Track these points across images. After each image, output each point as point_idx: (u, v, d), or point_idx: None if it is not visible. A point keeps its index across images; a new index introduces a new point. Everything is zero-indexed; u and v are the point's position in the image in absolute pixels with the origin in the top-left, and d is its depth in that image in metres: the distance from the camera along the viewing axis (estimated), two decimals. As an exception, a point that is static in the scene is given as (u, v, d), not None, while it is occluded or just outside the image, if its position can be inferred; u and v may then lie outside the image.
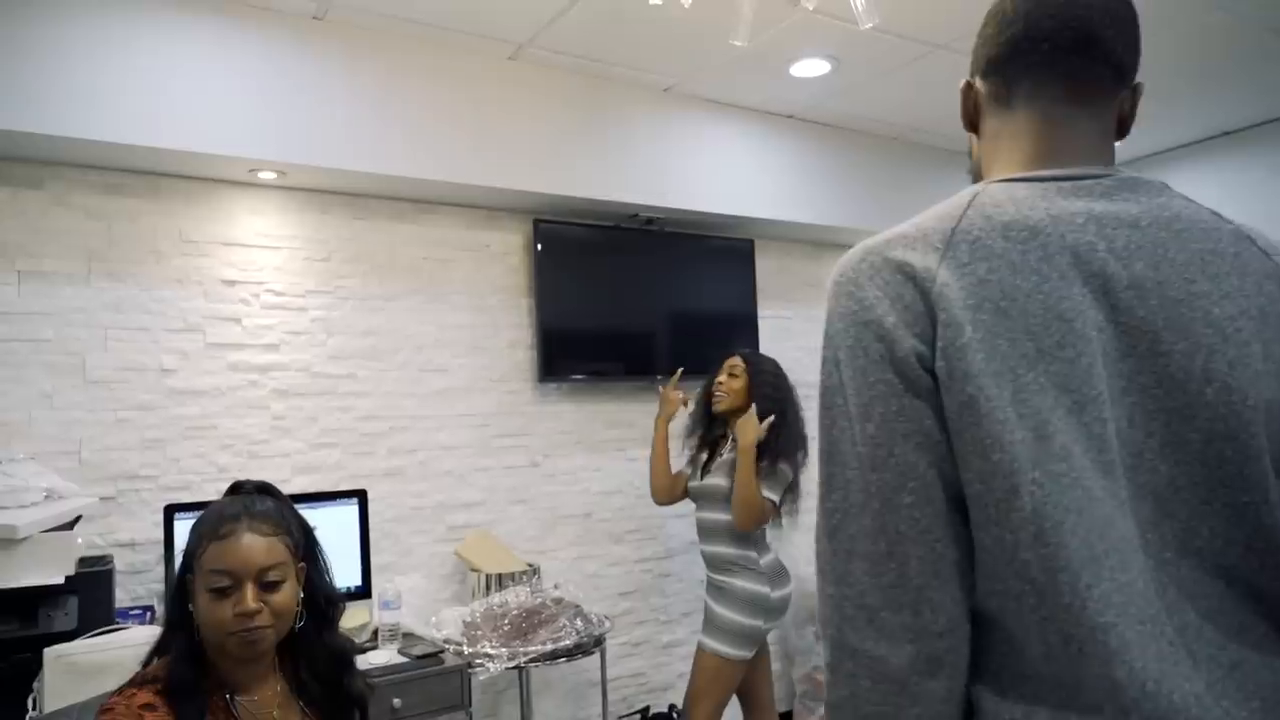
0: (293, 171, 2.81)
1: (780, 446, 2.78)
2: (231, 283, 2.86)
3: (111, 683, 1.72)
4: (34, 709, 1.94)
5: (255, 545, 1.36)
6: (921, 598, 0.77)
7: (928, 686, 0.77)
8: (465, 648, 2.64)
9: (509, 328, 3.36)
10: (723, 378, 2.93)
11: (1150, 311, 0.79)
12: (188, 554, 1.39)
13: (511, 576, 2.95)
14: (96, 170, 2.69)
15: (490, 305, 3.33)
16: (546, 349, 3.35)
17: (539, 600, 2.81)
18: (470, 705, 2.65)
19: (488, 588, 2.91)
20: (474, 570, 2.98)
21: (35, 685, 1.99)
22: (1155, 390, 0.79)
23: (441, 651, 2.63)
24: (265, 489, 1.50)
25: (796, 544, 3.78)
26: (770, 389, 2.89)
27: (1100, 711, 0.72)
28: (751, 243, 3.90)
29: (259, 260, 2.92)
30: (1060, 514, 0.73)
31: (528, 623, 2.73)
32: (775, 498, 2.76)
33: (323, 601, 1.47)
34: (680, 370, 3.19)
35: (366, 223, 3.11)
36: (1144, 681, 0.71)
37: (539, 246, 3.35)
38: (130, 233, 2.73)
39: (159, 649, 1.40)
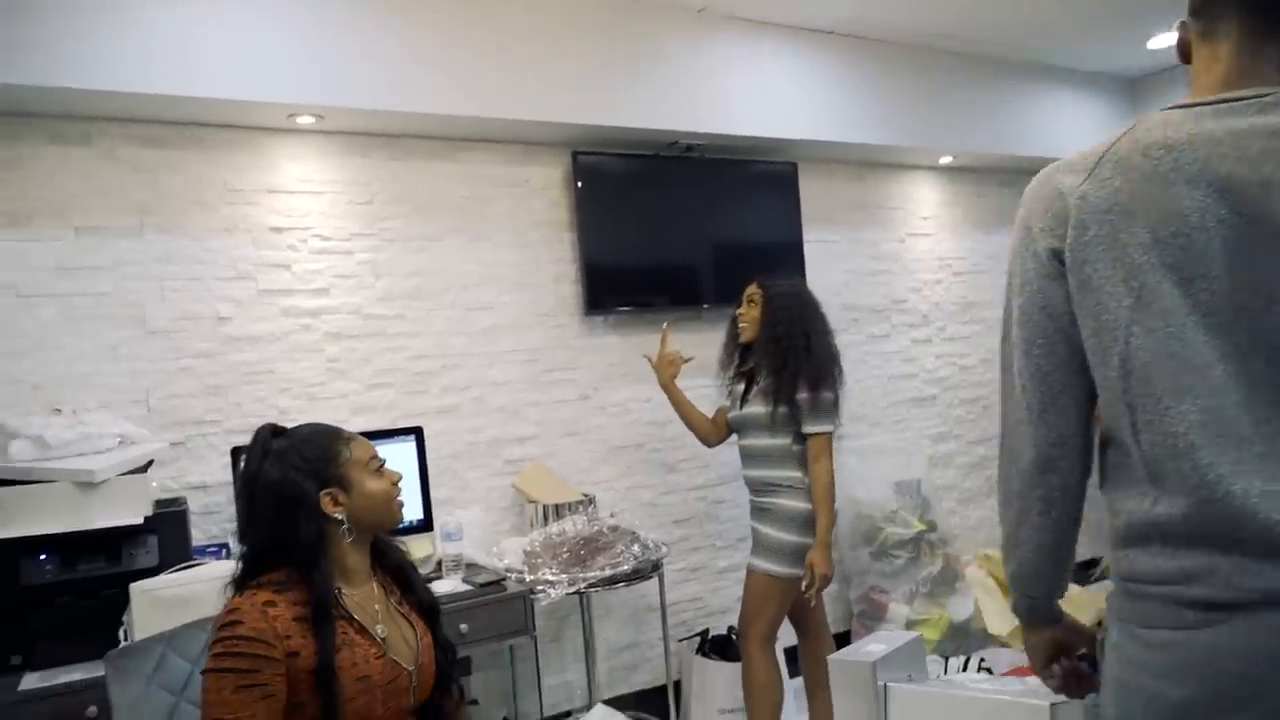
0: (331, 115, 2.82)
1: (814, 373, 2.75)
2: (279, 229, 2.90)
3: (193, 614, 1.82)
4: (125, 640, 2.05)
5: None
6: (1041, 419, 1.14)
7: (1046, 479, 1.15)
8: (526, 575, 2.71)
9: (552, 262, 3.37)
10: (742, 308, 2.92)
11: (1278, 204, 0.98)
12: (320, 474, 1.52)
13: (568, 506, 3.00)
14: (140, 124, 2.72)
15: (532, 241, 3.34)
16: (591, 282, 3.36)
17: (596, 528, 2.87)
18: (534, 630, 2.73)
19: (545, 518, 2.98)
20: (531, 502, 3.05)
21: (125, 618, 2.10)
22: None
23: (504, 579, 2.70)
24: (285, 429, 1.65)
25: (846, 466, 3.79)
26: (785, 313, 2.83)
27: (1177, 494, 1.01)
28: (794, 166, 3.83)
29: (304, 206, 2.95)
30: (1148, 356, 1.03)
31: (586, 550, 2.79)
32: (829, 428, 2.76)
33: None
34: (666, 325, 3.14)
35: (405, 164, 3.12)
36: (1210, 475, 0.98)
37: (578, 179, 3.33)
38: (176, 184, 2.77)
39: (258, 572, 1.50)
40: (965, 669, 3.15)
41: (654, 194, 3.50)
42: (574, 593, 2.68)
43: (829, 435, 2.77)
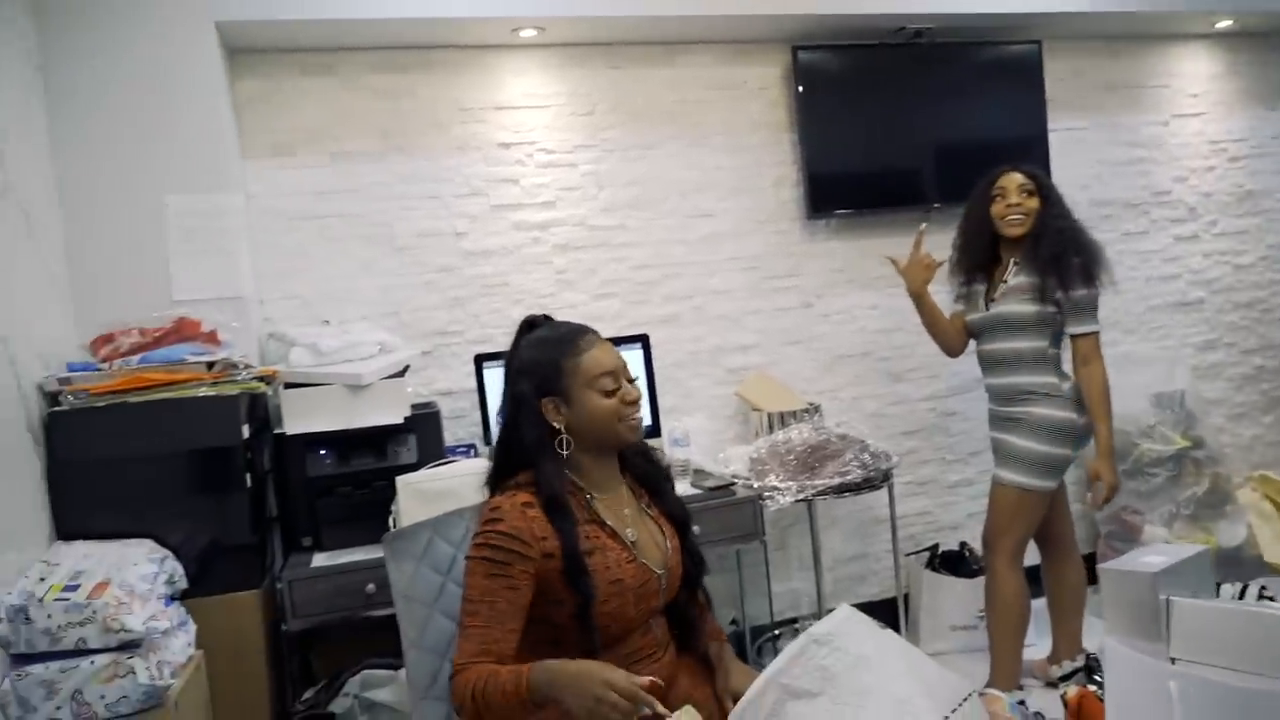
0: (551, 26, 2.85)
1: (1089, 267, 2.53)
2: (507, 145, 3.00)
3: (451, 505, 1.95)
4: (393, 526, 2.26)
5: (611, 349, 1.58)
6: None
7: None
8: (754, 482, 2.72)
9: (772, 165, 3.27)
10: (1011, 198, 2.63)
11: None
12: (546, 380, 1.53)
13: (793, 415, 2.96)
14: (377, 51, 2.88)
15: (751, 144, 3.24)
16: (812, 185, 3.23)
17: (823, 437, 2.82)
18: (764, 535, 2.75)
19: (770, 427, 2.96)
20: (755, 410, 3.03)
21: (392, 508, 2.30)
22: None
23: (732, 484, 2.72)
24: (550, 319, 1.66)
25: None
26: (1061, 202, 2.63)
27: None
28: (1038, 46, 3.45)
29: (529, 121, 3.02)
30: None
31: (813, 458, 2.75)
32: (1098, 327, 2.56)
33: None
34: (923, 226, 2.86)
35: (623, 72, 3.11)
36: None
37: (798, 77, 3.18)
38: (414, 108, 2.92)
39: (504, 472, 1.57)
40: (1242, 597, 2.85)
41: (879, 89, 3.28)
42: (802, 500, 2.66)
43: (1098, 335, 2.55)
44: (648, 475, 1.68)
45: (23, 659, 1.79)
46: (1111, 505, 3.51)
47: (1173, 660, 1.22)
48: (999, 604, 2.67)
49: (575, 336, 1.56)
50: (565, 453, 1.53)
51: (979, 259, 2.75)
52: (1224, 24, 3.72)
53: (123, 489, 2.13)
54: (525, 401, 1.52)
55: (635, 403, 1.55)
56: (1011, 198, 2.62)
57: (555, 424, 1.52)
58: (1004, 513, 2.65)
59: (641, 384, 2.87)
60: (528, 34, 2.89)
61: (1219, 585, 3.20)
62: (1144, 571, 1.29)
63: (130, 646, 1.81)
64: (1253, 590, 3.05)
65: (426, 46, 2.91)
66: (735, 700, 1.44)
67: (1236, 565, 3.40)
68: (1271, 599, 2.94)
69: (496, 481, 1.59)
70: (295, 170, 2.83)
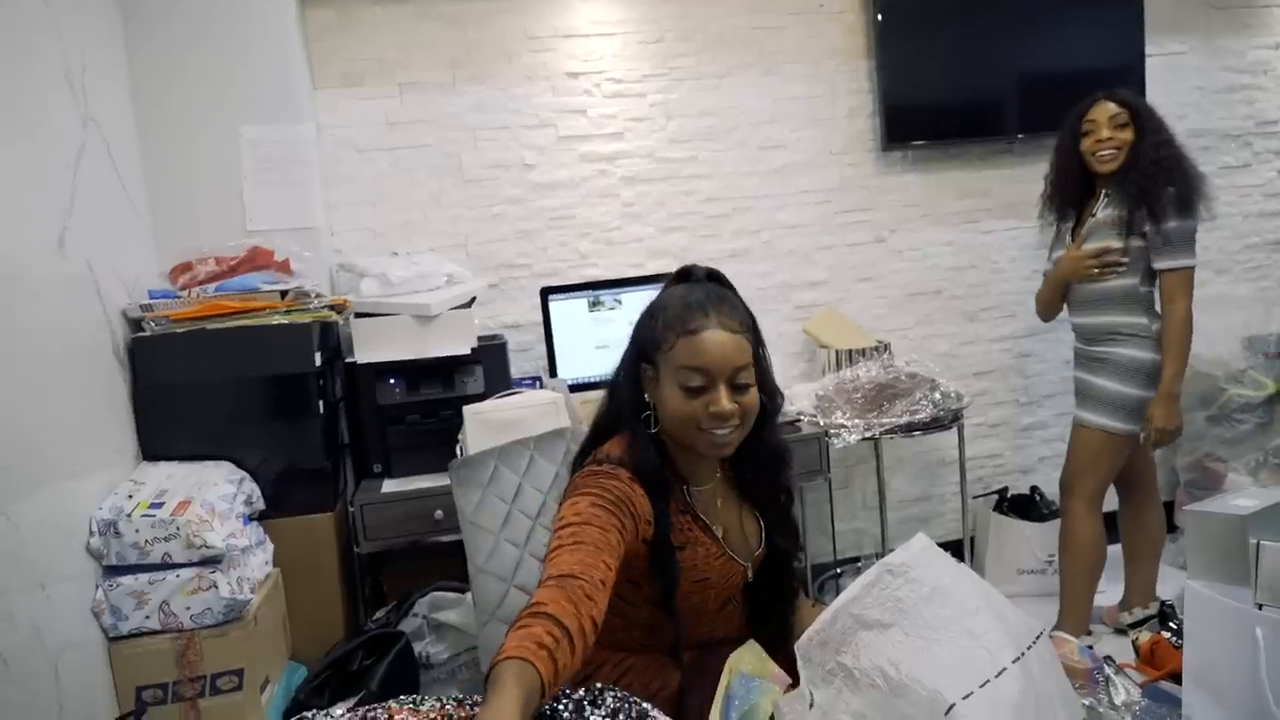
0: (621, -51, 2.76)
1: (1185, 198, 2.39)
2: (575, 75, 2.95)
3: (516, 434, 1.97)
4: (460, 455, 2.30)
5: (727, 344, 1.30)
6: None
7: None
8: (820, 419, 2.68)
9: (847, 94, 3.15)
10: (1107, 131, 2.46)
11: None
12: (648, 343, 1.36)
13: (861, 353, 2.91)
14: (448, -23, 2.84)
15: (826, 72, 3.13)
16: (889, 115, 3.10)
17: (892, 375, 2.76)
18: (829, 472, 2.72)
19: (838, 364, 2.91)
20: (823, 347, 2.98)
21: (460, 437, 2.34)
22: None
23: (797, 421, 2.70)
24: (718, 278, 1.43)
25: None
26: (1162, 130, 2.46)
27: None
28: (1138, -41, 3.23)
29: (597, 49, 2.96)
30: None
31: (881, 396, 2.70)
32: (1192, 261, 2.41)
33: (765, 397, 1.41)
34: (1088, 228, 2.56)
35: (695, -4, 3.01)
36: None
37: None
38: (484, 37, 2.88)
39: (604, 428, 1.43)
40: (1331, 548, 2.73)
41: (962, 11, 3.11)
42: (869, 438, 2.62)
43: (1191, 271, 2.41)
44: (766, 471, 1.47)
45: (114, 570, 1.89)
46: (1191, 453, 3.40)
47: (1260, 606, 1.17)
48: (1074, 548, 2.61)
49: (695, 311, 1.31)
50: (653, 430, 1.37)
51: (1071, 196, 2.61)
52: (1348, -63, 3.42)
53: (202, 413, 2.20)
54: (629, 359, 1.39)
55: (723, 417, 1.30)
56: (1103, 131, 2.47)
57: (647, 395, 1.37)
58: (1085, 455, 2.57)
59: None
60: (596, -43, 2.82)
61: (1308, 537, 3.07)
62: (1234, 514, 1.23)
63: (212, 562, 1.90)
64: (1346, 543, 2.92)
65: (494, -28, 2.86)
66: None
67: (1327, 517, 3.25)
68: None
69: (594, 437, 1.44)
70: (365, 100, 2.83)
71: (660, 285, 1.45)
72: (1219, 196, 3.47)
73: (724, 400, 1.30)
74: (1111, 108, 2.48)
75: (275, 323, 2.23)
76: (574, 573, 1.12)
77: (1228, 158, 3.53)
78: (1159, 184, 2.39)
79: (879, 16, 3.05)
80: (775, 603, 1.50)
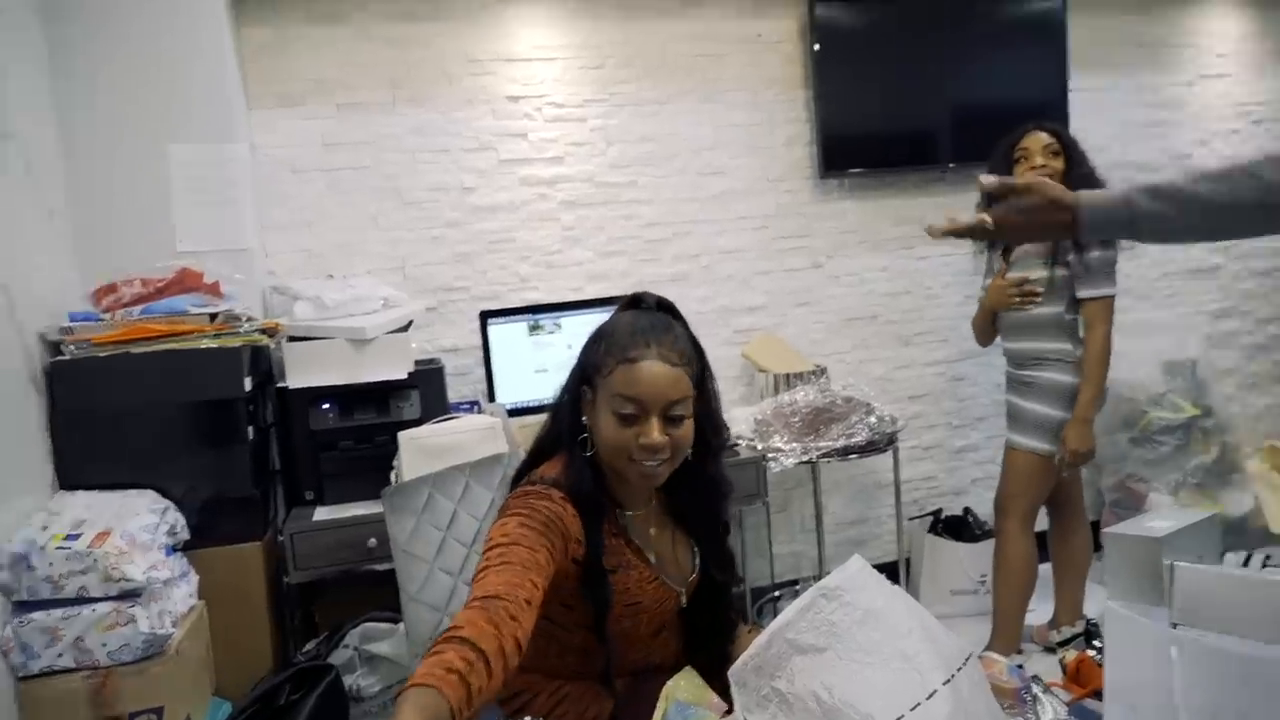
0: (561, -26, 2.78)
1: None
2: (515, 98, 2.95)
3: (453, 460, 1.95)
4: (394, 481, 2.26)
5: (664, 376, 1.29)
6: None
7: None
8: (758, 443, 2.71)
9: (785, 123, 3.21)
10: (1040, 159, 2.55)
11: None
12: (590, 366, 1.36)
13: (799, 377, 2.94)
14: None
15: (765, 101, 3.18)
16: (826, 143, 3.17)
17: (828, 399, 2.80)
18: (767, 495, 2.74)
19: (776, 388, 2.94)
20: (761, 371, 3.01)
21: (394, 463, 2.30)
22: None
23: (735, 445, 2.71)
24: (667, 307, 1.43)
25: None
26: (1085, 159, 2.57)
27: None
28: (1063, 1, 3.36)
29: (539, 74, 2.96)
30: None
31: (818, 420, 2.73)
32: (1112, 290, 2.50)
33: (709, 431, 1.42)
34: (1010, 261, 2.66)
35: (636, 23, 3.04)
36: None
37: (814, 31, 3.11)
38: (424, 59, 2.87)
39: (544, 449, 1.43)
40: (1247, 566, 2.83)
41: (896, 45, 3.20)
42: (806, 461, 2.65)
43: (1111, 299, 2.50)
44: (704, 504, 1.47)
45: (24, 606, 1.81)
46: (1115, 474, 3.51)
47: (1174, 625, 1.21)
48: (1007, 567, 2.67)
49: (638, 340, 1.31)
50: (588, 454, 1.36)
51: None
52: (1254, -18, 3.61)
53: (125, 440, 2.13)
54: (571, 380, 1.40)
55: (652, 449, 1.29)
56: (1036, 159, 2.55)
57: (585, 418, 1.37)
58: (1017, 476, 2.64)
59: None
60: (537, -17, 2.83)
61: (1224, 554, 3.19)
62: (1150, 536, 1.27)
63: (131, 595, 1.82)
64: (1257, 559, 3.04)
65: (435, -5, 2.85)
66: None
67: (1242, 535, 3.38)
68: (1277, 568, 2.93)
69: (533, 458, 1.44)
70: (303, 121, 2.78)
71: (600, 309, 1.47)
72: (1139, 226, 3.63)
73: (654, 432, 1.30)
74: (1044, 137, 2.57)
75: (204, 346, 2.17)
76: (498, 593, 1.11)
77: (1146, 189, 3.67)
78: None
79: (816, 47, 3.12)
80: (712, 630, 1.50)
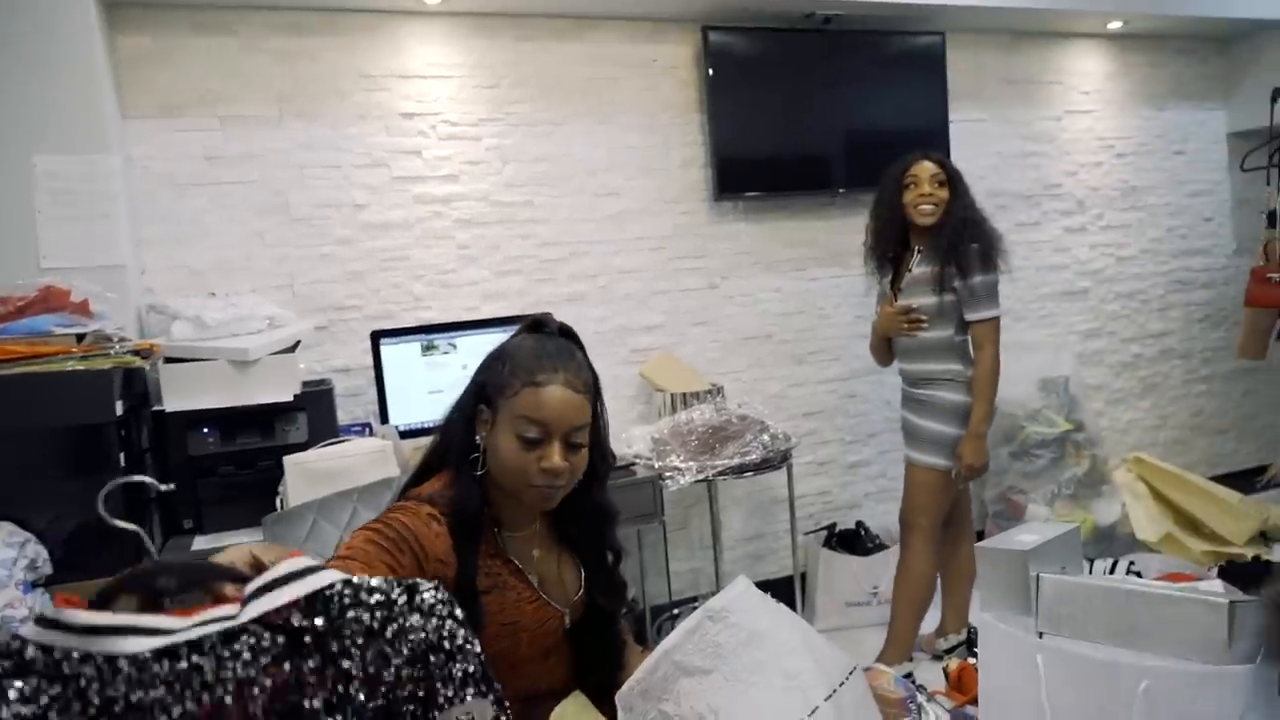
0: (456, -8, 2.77)
1: (988, 253, 2.62)
2: (409, 115, 2.91)
3: (343, 485, 1.90)
4: (280, 508, 2.18)
5: (570, 402, 1.31)
6: None
7: None
8: (655, 462, 2.72)
9: (681, 146, 3.26)
10: (928, 187, 2.66)
11: None
12: (491, 386, 1.35)
13: (696, 396, 2.98)
14: (278, 11, 2.75)
15: (660, 124, 3.23)
16: (720, 167, 3.23)
17: (724, 418, 2.84)
18: (663, 515, 2.76)
19: (673, 407, 2.96)
20: (659, 390, 3.04)
21: (280, 488, 2.22)
22: None
23: (633, 465, 2.72)
24: (569, 333, 1.44)
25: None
26: (968, 190, 2.70)
27: None
28: (942, 37, 3.53)
29: (433, 91, 2.93)
30: None
31: (714, 438, 2.77)
32: (998, 312, 2.64)
33: (598, 458, 1.42)
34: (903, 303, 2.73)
35: (531, 44, 3.05)
36: None
37: (709, 58, 3.18)
38: (314, 72, 2.80)
39: (431, 466, 1.41)
40: (1112, 572, 3.00)
41: (788, 73, 3.30)
42: (702, 480, 2.68)
43: (997, 320, 2.63)
44: (590, 528, 1.46)
45: None
46: (996, 486, 3.68)
47: (1040, 634, 1.26)
48: (910, 581, 2.74)
49: (545, 364, 1.32)
50: (479, 472, 1.35)
51: (890, 247, 2.78)
52: (1115, 25, 3.87)
53: (-21, 468, 1.99)
54: (467, 397, 1.38)
55: (553, 473, 1.31)
56: (924, 187, 2.65)
57: (479, 436, 1.36)
58: (919, 492, 2.73)
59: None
60: (433, 1, 2.80)
61: (1092, 561, 3.37)
62: (1016, 549, 1.33)
63: (-16, 635, 1.70)
64: (1122, 565, 3.22)
65: (328, 9, 2.79)
66: None
67: (1111, 541, 3.58)
68: (1139, 574, 3.11)
69: (419, 474, 1.43)
70: (184, 133, 2.68)
71: (496, 329, 1.48)
72: (1015, 251, 3.81)
73: (556, 457, 1.30)
74: (932, 166, 2.68)
75: (69, 369, 2.05)
76: None
77: (1021, 216, 3.89)
78: (964, 242, 2.60)
79: (710, 73, 3.18)
80: (601, 656, 1.49)
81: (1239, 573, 3.15)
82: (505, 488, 1.36)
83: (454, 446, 1.37)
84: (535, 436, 1.30)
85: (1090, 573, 3.14)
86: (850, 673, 1.29)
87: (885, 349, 2.87)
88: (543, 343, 1.37)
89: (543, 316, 1.44)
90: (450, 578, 1.28)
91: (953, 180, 2.68)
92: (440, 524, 1.30)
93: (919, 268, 2.69)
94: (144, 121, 2.63)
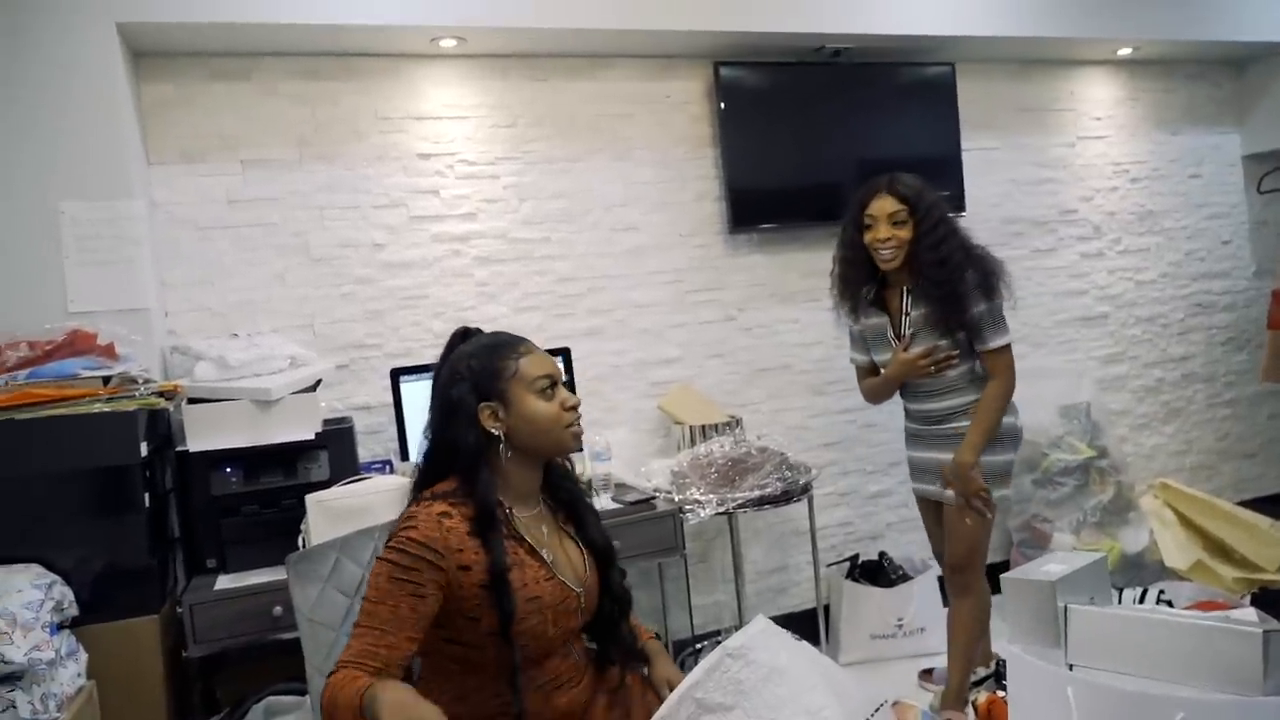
0: (472, 36, 2.82)
1: (985, 281, 2.46)
2: (427, 156, 2.95)
3: (363, 523, 1.90)
4: (303, 546, 2.18)
5: (550, 358, 1.59)
6: None
7: None
8: (675, 495, 2.71)
9: (695, 180, 3.29)
10: (880, 230, 2.44)
11: None
12: (485, 382, 1.51)
13: (715, 428, 2.97)
14: (295, 57, 2.81)
15: (674, 158, 3.26)
16: (734, 200, 3.26)
17: (744, 450, 2.83)
18: (684, 548, 2.74)
19: (692, 440, 2.96)
20: (678, 423, 3.03)
21: (302, 527, 2.23)
22: None
23: (653, 498, 2.72)
24: (480, 330, 1.66)
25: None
26: (941, 224, 2.45)
27: None
28: (952, 68, 3.55)
29: (449, 132, 2.98)
30: None
31: (734, 471, 2.76)
32: (1009, 337, 2.48)
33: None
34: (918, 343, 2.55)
35: (546, 84, 3.09)
36: None
37: (720, 92, 3.21)
38: (332, 115, 2.86)
39: (438, 474, 1.54)
40: (1142, 601, 2.95)
41: (799, 106, 3.33)
42: (723, 513, 2.67)
43: (1008, 346, 2.47)
44: (570, 500, 1.66)
45: (-110, 694, 1.68)
46: (1020, 515, 3.63)
47: (1070, 666, 1.25)
48: (979, 620, 2.59)
49: (514, 342, 1.57)
50: (506, 457, 1.51)
51: (860, 290, 2.61)
52: (1125, 51, 3.89)
53: (7, 510, 2.01)
54: (462, 406, 1.49)
55: (576, 405, 1.56)
56: (880, 230, 2.46)
57: (493, 429, 1.50)
58: (967, 532, 2.51)
59: (563, 398, 2.87)
60: (448, 44, 2.86)
61: (1120, 590, 3.33)
62: (1044, 580, 1.32)
63: (11, 679, 1.71)
64: (1152, 594, 3.18)
65: (344, 54, 2.85)
66: (671, 688, 1.47)
67: (1139, 570, 3.52)
68: (1169, 603, 3.07)
69: (419, 490, 1.55)
70: (206, 178, 2.73)
71: None
72: (1031, 278, 3.82)
73: (571, 395, 1.56)
74: (890, 204, 2.45)
75: (96, 411, 2.08)
76: (374, 652, 1.34)
77: (1037, 243, 3.88)
78: (955, 277, 2.42)
79: (722, 107, 3.22)
80: (618, 640, 1.64)
81: (1273, 600, 3.10)
82: (543, 447, 1.54)
83: (465, 447, 1.49)
84: (548, 386, 1.53)
85: (1120, 602, 3.10)
86: (877, 709, 1.27)
87: (890, 393, 2.72)
88: (488, 335, 1.61)
89: (464, 327, 1.64)
90: (471, 562, 1.41)
91: (916, 213, 2.43)
92: (452, 517, 1.43)
93: (916, 310, 2.52)
94: (167, 167, 2.69)
